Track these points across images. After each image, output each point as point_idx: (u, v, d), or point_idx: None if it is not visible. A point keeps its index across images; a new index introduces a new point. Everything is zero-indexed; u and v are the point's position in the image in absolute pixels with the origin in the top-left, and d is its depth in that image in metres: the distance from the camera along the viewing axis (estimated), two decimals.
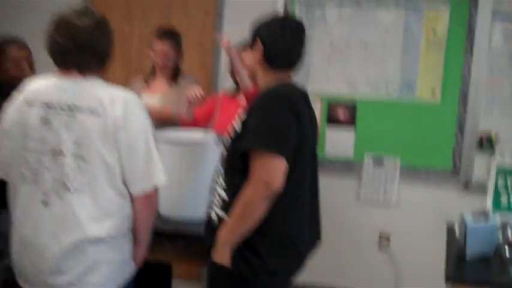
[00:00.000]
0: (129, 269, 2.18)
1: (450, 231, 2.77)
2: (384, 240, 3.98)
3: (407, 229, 3.92)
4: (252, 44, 2.14)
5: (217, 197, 2.04)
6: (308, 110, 2.09)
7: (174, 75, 3.61)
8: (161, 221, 2.54)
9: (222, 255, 1.96)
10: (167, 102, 3.51)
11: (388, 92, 3.87)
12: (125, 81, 3.70)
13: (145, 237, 2.20)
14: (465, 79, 3.73)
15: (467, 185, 3.75)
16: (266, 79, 2.11)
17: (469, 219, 2.39)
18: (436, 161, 3.81)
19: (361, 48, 3.92)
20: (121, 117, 2.01)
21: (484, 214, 2.40)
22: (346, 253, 4.07)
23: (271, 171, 1.86)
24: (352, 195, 4.02)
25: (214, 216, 2.04)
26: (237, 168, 1.97)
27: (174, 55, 3.58)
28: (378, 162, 3.93)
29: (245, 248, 1.95)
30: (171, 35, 3.56)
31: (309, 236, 2.13)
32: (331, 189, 4.00)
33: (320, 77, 4.01)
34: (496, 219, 2.39)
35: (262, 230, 1.93)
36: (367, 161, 3.95)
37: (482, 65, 3.68)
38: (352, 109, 3.95)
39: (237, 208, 1.91)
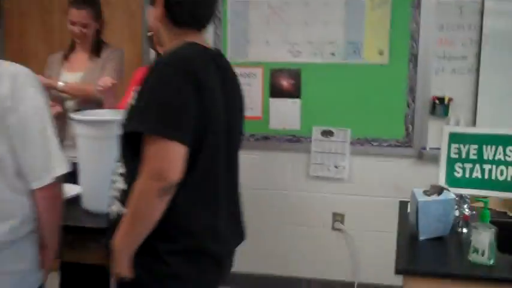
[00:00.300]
0: (35, 280, 1.90)
1: (402, 208, 2.55)
2: (338, 218, 3.77)
3: (362, 206, 3.72)
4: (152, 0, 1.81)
5: (116, 188, 1.74)
6: (223, 79, 1.77)
7: (96, 47, 3.29)
8: (88, 217, 2.28)
9: (120, 264, 1.65)
10: (89, 79, 3.20)
11: (333, 56, 3.64)
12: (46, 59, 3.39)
13: (52, 239, 1.92)
14: (414, 37, 3.50)
15: (421, 155, 3.55)
16: (171, 41, 1.78)
17: (420, 194, 2.17)
18: (388, 129, 3.60)
19: (302, 7, 3.66)
20: (9, 97, 1.73)
21: (437, 188, 2.18)
22: (297, 235, 3.85)
23: (165, 159, 1.55)
24: (302, 172, 3.80)
25: (113, 213, 1.75)
26: (130, 152, 1.66)
27: (93, 25, 3.26)
28: (327, 134, 3.71)
29: (145, 252, 1.64)
30: (87, 2, 3.24)
31: (228, 234, 1.83)
32: (278, 166, 3.81)
33: (260, 42, 3.75)
34: (451, 193, 2.18)
35: (163, 229, 1.62)
36: (316, 134, 3.72)
37: (431, 20, 3.45)
38: (296, 76, 3.71)
39: (129, 206, 1.61)
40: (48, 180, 1.81)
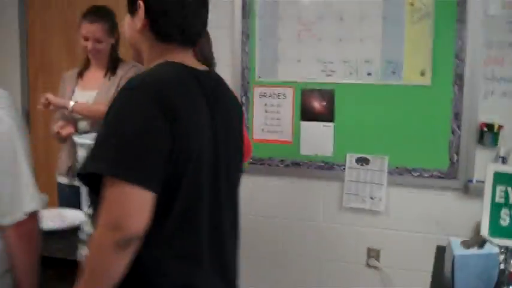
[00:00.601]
0: None
1: (439, 255, 2.27)
2: (372, 254, 3.50)
3: (399, 242, 3.43)
4: (130, 7, 1.55)
5: (84, 231, 1.52)
6: (211, 102, 1.52)
7: (111, 64, 3.13)
8: None
9: None
10: (103, 98, 3.05)
11: (370, 76, 3.38)
12: None
13: (27, 279, 1.74)
14: (459, 55, 3.20)
15: (467, 189, 3.24)
16: (152, 60, 1.52)
17: (457, 246, 1.90)
18: (430, 158, 3.31)
19: (335, 22, 3.42)
20: None
21: (479, 239, 1.90)
22: (327, 271, 3.59)
23: (124, 207, 1.30)
24: (334, 202, 3.54)
25: (82, 258, 1.51)
26: (96, 193, 1.39)
27: (107, 40, 3.10)
28: (362, 162, 3.45)
29: None
30: (101, 15, 3.08)
31: None
32: (308, 195, 3.57)
33: (290, 60, 3.53)
34: (494, 246, 1.89)
35: None
36: (350, 161, 3.47)
37: (478, 36, 3.14)
38: (329, 97, 3.47)
39: (86, 260, 1.38)
40: (20, 216, 1.66)
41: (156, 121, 1.33)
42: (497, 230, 2.02)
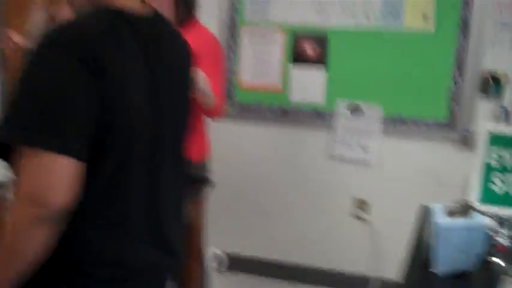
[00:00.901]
0: None
1: (423, 217, 2.15)
2: (361, 207, 3.40)
3: (391, 195, 3.32)
4: None
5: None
6: (152, 55, 1.34)
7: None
8: None
9: None
10: None
11: (367, 19, 3.19)
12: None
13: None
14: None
15: (465, 140, 3.10)
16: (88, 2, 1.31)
17: (440, 212, 1.77)
18: (428, 109, 3.15)
19: None
20: None
21: (465, 206, 1.78)
22: (315, 223, 3.50)
23: (42, 178, 1.15)
24: (324, 152, 3.41)
25: None
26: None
27: None
28: (355, 111, 3.30)
29: None
30: None
31: (150, 267, 1.39)
32: (296, 143, 3.46)
33: (281, 2, 3.33)
34: (483, 215, 1.77)
35: (53, 267, 1.25)
36: (342, 109, 3.32)
37: None
38: (322, 42, 3.28)
39: (5, 236, 1.23)
40: None
41: (78, 79, 1.17)
42: (488, 196, 1.90)
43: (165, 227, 1.43)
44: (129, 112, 1.25)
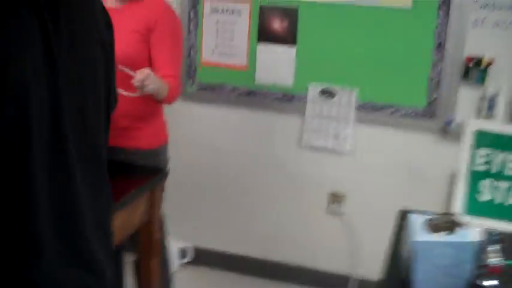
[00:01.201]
0: None
1: (399, 227, 1.97)
2: (336, 201, 3.22)
3: (366, 187, 3.14)
4: None
5: None
6: (48, 18, 1.06)
7: None
8: None
9: None
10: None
11: None
12: None
13: None
14: None
15: (445, 131, 2.93)
16: None
17: (419, 226, 1.58)
18: (405, 94, 2.96)
19: None
20: None
21: (449, 221, 1.60)
22: (285, 217, 3.32)
23: None
24: (293, 139, 3.22)
25: None
26: None
27: None
28: (327, 95, 3.10)
29: None
30: None
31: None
32: (264, 129, 3.26)
33: None
34: (470, 230, 1.59)
35: None
36: (313, 93, 3.11)
37: None
38: (292, 17, 3.06)
39: None
40: None
41: None
42: (475, 207, 1.72)
43: (84, 244, 1.19)
44: (12, 91, 0.99)
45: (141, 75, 2.13)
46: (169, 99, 2.35)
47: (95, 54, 1.24)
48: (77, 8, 1.18)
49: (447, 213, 1.64)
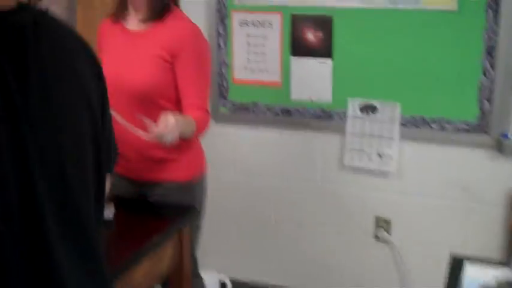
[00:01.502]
0: None
1: (452, 277, 1.73)
2: (381, 225, 3.01)
3: (414, 210, 2.94)
4: None
5: None
6: (14, 66, 1.02)
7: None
8: None
9: None
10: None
11: None
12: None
13: None
14: None
15: (500, 146, 2.68)
16: None
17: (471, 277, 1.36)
18: (454, 106, 2.75)
19: None
20: None
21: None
22: (327, 244, 3.14)
23: None
24: (333, 159, 3.03)
25: None
26: None
27: None
28: (368, 110, 2.91)
29: None
30: None
31: None
32: (301, 151, 3.10)
33: None
34: None
35: None
36: (352, 109, 2.93)
37: None
38: (326, 26, 2.90)
39: None
40: None
41: None
42: None
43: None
44: None
45: (159, 127, 2.01)
46: (196, 135, 2.25)
47: (76, 112, 1.14)
48: (52, 64, 1.10)
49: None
